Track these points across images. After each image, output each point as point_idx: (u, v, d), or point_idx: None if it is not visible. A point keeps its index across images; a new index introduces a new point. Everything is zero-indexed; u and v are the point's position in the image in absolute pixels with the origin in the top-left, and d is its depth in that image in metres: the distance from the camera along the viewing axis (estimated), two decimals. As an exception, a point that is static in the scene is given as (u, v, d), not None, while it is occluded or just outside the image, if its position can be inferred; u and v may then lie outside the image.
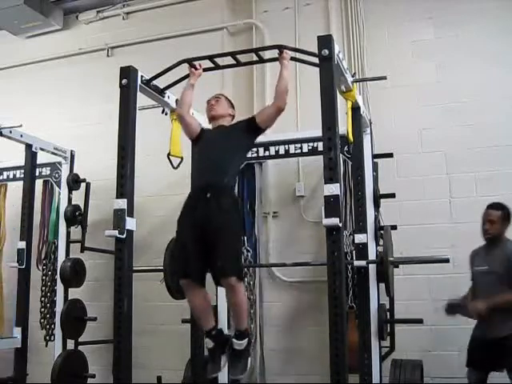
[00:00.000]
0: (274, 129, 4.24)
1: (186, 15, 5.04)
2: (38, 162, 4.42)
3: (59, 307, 4.26)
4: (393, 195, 3.74)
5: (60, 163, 4.67)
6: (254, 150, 4.24)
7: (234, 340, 2.72)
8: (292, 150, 4.15)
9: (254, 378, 4.26)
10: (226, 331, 3.03)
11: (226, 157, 2.86)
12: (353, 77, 3.22)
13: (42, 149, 4.39)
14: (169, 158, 3.30)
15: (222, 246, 2.65)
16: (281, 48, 2.93)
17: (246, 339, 2.74)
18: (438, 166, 4.10)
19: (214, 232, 2.67)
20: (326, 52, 2.63)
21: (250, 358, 2.77)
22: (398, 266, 3.69)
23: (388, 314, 3.70)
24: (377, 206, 3.70)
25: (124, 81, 2.96)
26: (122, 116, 2.95)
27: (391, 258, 3.38)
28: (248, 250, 4.23)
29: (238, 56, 3.19)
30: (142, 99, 3.15)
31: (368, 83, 4.25)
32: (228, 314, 3.84)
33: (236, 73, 4.61)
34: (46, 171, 4.72)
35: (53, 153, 4.53)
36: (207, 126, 3.19)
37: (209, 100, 3.11)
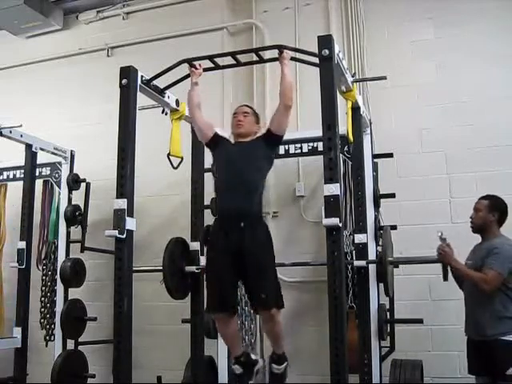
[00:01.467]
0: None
1: (186, 15, 5.04)
2: (38, 162, 4.42)
3: (59, 307, 4.26)
4: (393, 195, 3.74)
5: (60, 163, 4.67)
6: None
7: (273, 365, 2.79)
8: (292, 150, 4.15)
9: (253, 378, 4.26)
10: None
11: (253, 178, 2.80)
12: (353, 77, 3.22)
13: (42, 149, 4.39)
14: (169, 158, 3.30)
15: (263, 278, 2.66)
16: (281, 48, 2.92)
17: (286, 363, 2.82)
18: (438, 166, 4.10)
19: (254, 264, 2.66)
20: (326, 52, 2.63)
21: (286, 379, 2.83)
22: (398, 266, 3.69)
23: (388, 313, 3.71)
24: (377, 206, 3.70)
25: (124, 81, 2.96)
26: (121, 116, 2.95)
27: (391, 258, 3.38)
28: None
29: (238, 56, 3.19)
30: (142, 99, 3.15)
31: (368, 83, 4.25)
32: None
33: (236, 73, 4.60)
34: (46, 171, 4.72)
35: (53, 153, 4.53)
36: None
37: (236, 113, 3.00)
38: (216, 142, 2.99)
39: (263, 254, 2.71)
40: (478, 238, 3.28)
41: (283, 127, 2.87)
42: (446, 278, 3.23)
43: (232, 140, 3.06)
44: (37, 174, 4.47)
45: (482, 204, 3.20)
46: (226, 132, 3.87)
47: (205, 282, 3.17)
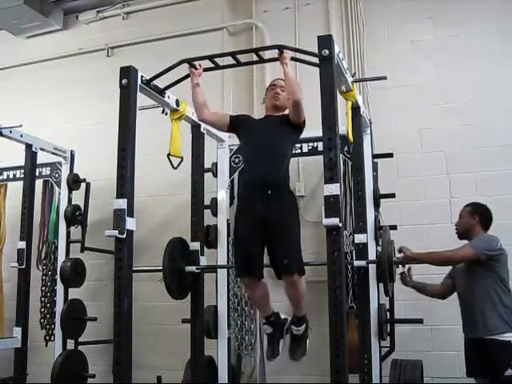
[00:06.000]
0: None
1: (186, 15, 5.04)
2: (38, 162, 4.41)
3: (59, 307, 4.26)
4: (393, 195, 3.74)
5: (60, 163, 4.66)
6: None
7: (293, 327, 2.89)
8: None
9: (254, 378, 4.26)
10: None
11: (279, 149, 2.89)
12: (353, 77, 3.21)
13: (42, 149, 4.38)
14: (169, 158, 3.29)
15: (287, 244, 2.73)
16: (281, 48, 2.92)
17: (305, 324, 2.91)
18: (438, 166, 4.11)
19: (278, 230, 2.73)
20: (326, 52, 2.63)
21: (308, 340, 2.95)
22: (398, 266, 3.68)
23: (388, 313, 3.71)
24: (377, 205, 3.69)
25: (124, 81, 2.95)
26: (121, 116, 2.94)
27: (395, 258, 3.39)
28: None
29: (238, 56, 3.19)
30: (142, 99, 3.15)
31: (368, 83, 4.26)
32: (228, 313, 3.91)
33: (236, 73, 4.60)
34: (46, 171, 4.72)
35: (53, 153, 4.52)
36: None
37: (274, 85, 3.09)
38: (236, 123, 3.09)
39: (288, 221, 2.77)
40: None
41: (300, 118, 2.94)
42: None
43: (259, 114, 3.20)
44: (37, 174, 4.45)
45: (465, 210, 3.32)
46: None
47: (213, 282, 3.42)
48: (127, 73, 2.97)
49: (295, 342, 2.92)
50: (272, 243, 2.77)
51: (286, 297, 2.91)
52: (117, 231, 2.78)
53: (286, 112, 3.03)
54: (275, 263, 2.81)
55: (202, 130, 3.75)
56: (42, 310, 4.56)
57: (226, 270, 3.86)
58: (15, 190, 4.69)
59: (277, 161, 2.85)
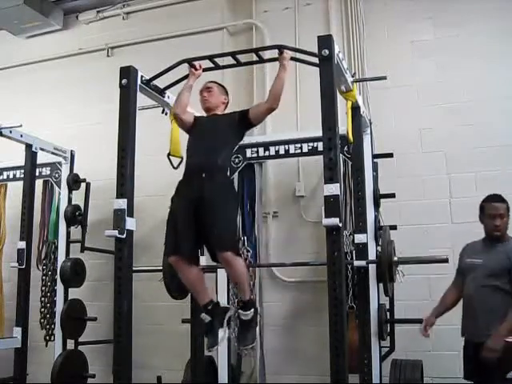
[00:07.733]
0: (274, 129, 4.28)
1: (186, 15, 5.05)
2: (38, 162, 4.41)
3: (59, 307, 4.26)
4: (393, 195, 3.74)
5: (60, 163, 4.67)
6: (254, 150, 4.24)
7: (240, 311, 2.78)
8: (292, 150, 4.15)
9: (253, 378, 4.26)
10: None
11: (217, 141, 2.92)
12: (353, 77, 3.22)
13: (42, 149, 4.38)
14: (169, 158, 3.29)
15: (218, 219, 2.70)
16: (281, 48, 2.93)
17: (252, 309, 2.79)
18: (438, 166, 4.11)
19: (209, 206, 2.71)
20: (326, 52, 2.63)
21: (257, 328, 2.81)
22: (398, 266, 3.69)
23: (388, 313, 3.71)
24: (377, 205, 3.70)
25: (124, 81, 2.96)
26: (121, 116, 2.95)
27: (396, 258, 3.39)
28: (248, 250, 4.21)
29: (238, 56, 3.19)
30: (142, 99, 3.15)
31: (368, 83, 4.26)
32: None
33: (236, 73, 4.60)
34: (46, 171, 4.72)
35: (53, 153, 4.52)
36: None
37: (201, 91, 3.13)
38: (194, 124, 3.09)
39: (220, 198, 2.75)
40: (478, 238, 3.24)
41: (260, 121, 3.03)
42: None
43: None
44: (37, 173, 4.45)
45: (504, 208, 3.07)
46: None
47: (213, 282, 3.19)
48: (127, 73, 2.97)
49: (243, 328, 2.80)
50: (205, 221, 2.71)
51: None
52: (117, 231, 2.78)
53: (222, 106, 3.11)
54: (209, 241, 2.76)
55: (201, 129, 3.75)
56: (42, 310, 4.55)
57: (226, 269, 3.86)
58: (15, 189, 4.69)
59: (214, 152, 2.86)
